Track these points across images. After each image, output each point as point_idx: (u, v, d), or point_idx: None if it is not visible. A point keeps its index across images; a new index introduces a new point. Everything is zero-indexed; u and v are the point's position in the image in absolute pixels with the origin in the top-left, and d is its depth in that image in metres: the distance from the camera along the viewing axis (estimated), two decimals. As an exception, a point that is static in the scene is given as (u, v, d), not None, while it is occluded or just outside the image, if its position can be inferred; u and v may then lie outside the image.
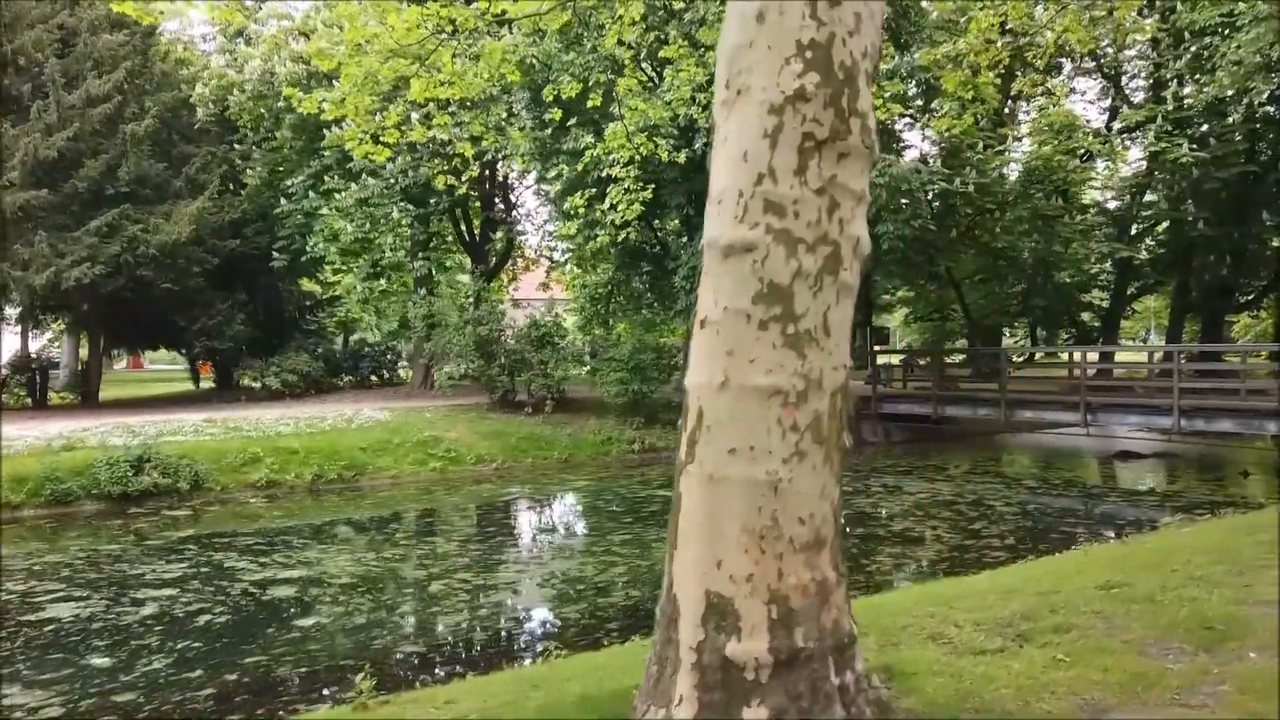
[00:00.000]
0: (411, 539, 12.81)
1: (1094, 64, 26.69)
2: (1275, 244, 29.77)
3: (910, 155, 27.04)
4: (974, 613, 5.10)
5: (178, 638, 8.32)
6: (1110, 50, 27.25)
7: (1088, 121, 27.66)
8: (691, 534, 3.17)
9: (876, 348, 36.52)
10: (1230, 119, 22.49)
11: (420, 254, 24.45)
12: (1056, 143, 24.10)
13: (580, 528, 14.02)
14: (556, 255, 35.93)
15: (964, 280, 27.57)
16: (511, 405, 22.71)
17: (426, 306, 22.81)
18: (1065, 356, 27.34)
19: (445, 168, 16.55)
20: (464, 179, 13.95)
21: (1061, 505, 15.06)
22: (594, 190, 17.94)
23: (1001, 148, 21.07)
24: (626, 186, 16.54)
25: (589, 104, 14.77)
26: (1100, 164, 29.13)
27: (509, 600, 9.63)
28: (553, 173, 19.48)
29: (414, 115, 15.11)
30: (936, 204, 23.61)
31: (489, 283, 31.94)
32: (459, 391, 24.69)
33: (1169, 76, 24.07)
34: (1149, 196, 28.59)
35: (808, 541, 3.13)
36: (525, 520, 14.92)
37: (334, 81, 12.01)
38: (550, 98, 15.43)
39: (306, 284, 33.53)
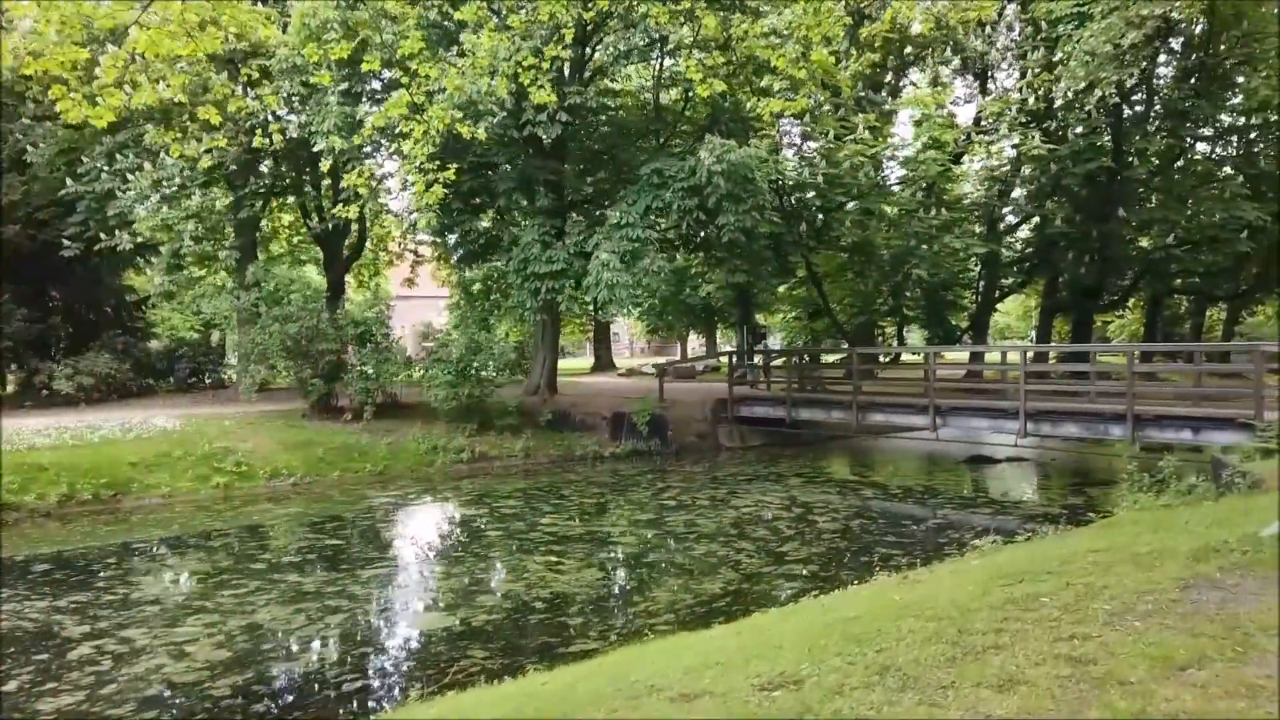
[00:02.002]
0: (115, 579, 10.66)
1: (954, 55, 25.88)
2: (1143, 243, 29.66)
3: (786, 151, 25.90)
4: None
5: None
6: (978, 45, 26.60)
7: (953, 116, 26.93)
8: None
9: (758, 346, 35.46)
10: (1087, 111, 21.91)
11: (228, 244, 21.99)
12: (920, 132, 23.21)
13: (326, 558, 12.04)
14: (425, 248, 33.80)
15: (829, 277, 26.51)
16: (331, 412, 20.55)
17: (229, 302, 20.41)
18: (921, 357, 26.57)
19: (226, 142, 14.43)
20: (203, 150, 11.81)
21: (890, 518, 13.81)
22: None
23: (852, 137, 19.90)
24: (420, 166, 14.67)
25: (363, 68, 12.81)
26: (975, 160, 28.55)
27: (158, 664, 7.66)
28: (322, 145, 17.16)
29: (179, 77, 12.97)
30: (796, 196, 22.42)
31: (342, 277, 29.60)
32: (282, 396, 22.37)
33: (1028, 69, 23.43)
34: (1016, 192, 28.10)
35: None
36: (273, 548, 12.82)
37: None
38: (314, 58, 13.50)
39: (135, 277, 30.52)
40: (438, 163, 14.34)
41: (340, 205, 14.17)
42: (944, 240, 21.38)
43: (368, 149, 19.82)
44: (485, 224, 24.70)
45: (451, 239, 23.38)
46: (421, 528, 13.99)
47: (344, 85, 17.26)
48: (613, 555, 11.49)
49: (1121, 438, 15.92)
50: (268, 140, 13.70)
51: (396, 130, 14.70)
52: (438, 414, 20.45)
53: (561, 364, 49.46)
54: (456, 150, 19.24)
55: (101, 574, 10.90)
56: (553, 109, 18.09)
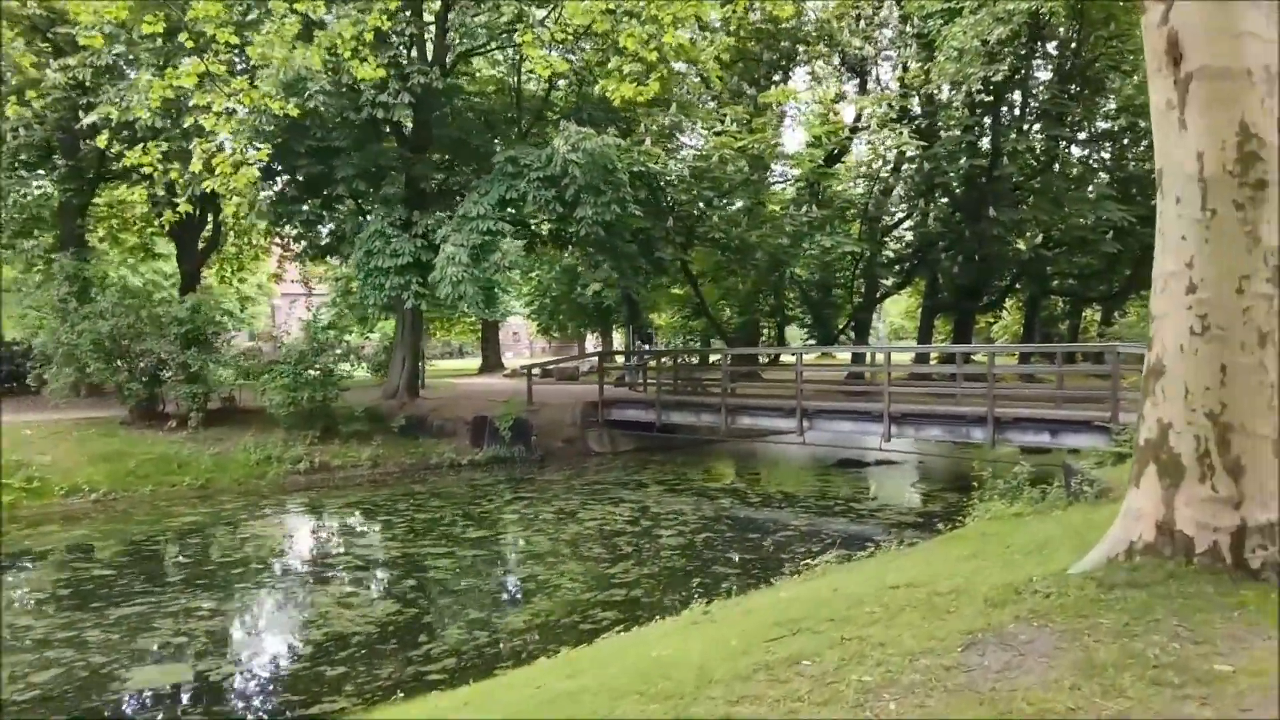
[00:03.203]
0: None
1: (833, 50, 25.37)
2: (1019, 245, 29.83)
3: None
4: None
5: None
6: (854, 42, 26.17)
7: (836, 113, 26.48)
8: None
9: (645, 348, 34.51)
10: (959, 109, 21.64)
11: (37, 233, 19.76)
12: (801, 126, 22.59)
13: (82, 593, 10.43)
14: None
15: (708, 276, 25.70)
16: (156, 418, 18.60)
17: (34, 298, 18.24)
18: (792, 358, 26.06)
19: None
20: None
21: (741, 529, 12.94)
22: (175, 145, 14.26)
23: (720, 129, 19.04)
24: (220, 145, 13.05)
25: (144, 29, 11.19)
26: (857, 158, 28.19)
27: None
28: (94, 116, 15.15)
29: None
30: (667, 190, 21.48)
31: (197, 271, 27.29)
32: (108, 401, 20.15)
33: (904, 62, 23.09)
34: (898, 191, 27.85)
35: None
36: (24, 580, 11.11)
37: None
38: (83, 18, 11.82)
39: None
40: (244, 141, 12.86)
41: (125, 187, 12.52)
42: (815, 239, 20.72)
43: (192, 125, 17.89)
44: (340, 215, 22.96)
45: (294, 230, 21.58)
46: (217, 551, 12.38)
47: (121, 50, 15.37)
48: (420, 583, 10.22)
49: (983, 441, 15.49)
50: (25, 109, 11.89)
51: (191, 103, 13.13)
52: (277, 420, 18.74)
53: (452, 365, 47.79)
54: (294, 131, 17.60)
55: None
56: (395, 89, 16.66)
